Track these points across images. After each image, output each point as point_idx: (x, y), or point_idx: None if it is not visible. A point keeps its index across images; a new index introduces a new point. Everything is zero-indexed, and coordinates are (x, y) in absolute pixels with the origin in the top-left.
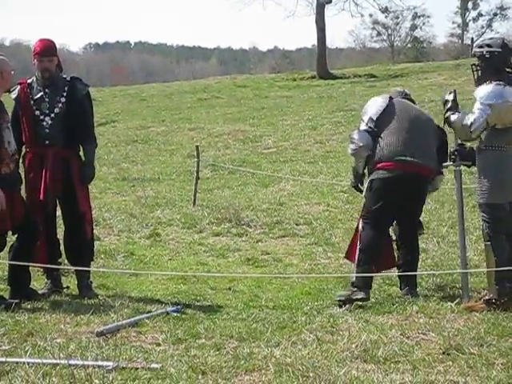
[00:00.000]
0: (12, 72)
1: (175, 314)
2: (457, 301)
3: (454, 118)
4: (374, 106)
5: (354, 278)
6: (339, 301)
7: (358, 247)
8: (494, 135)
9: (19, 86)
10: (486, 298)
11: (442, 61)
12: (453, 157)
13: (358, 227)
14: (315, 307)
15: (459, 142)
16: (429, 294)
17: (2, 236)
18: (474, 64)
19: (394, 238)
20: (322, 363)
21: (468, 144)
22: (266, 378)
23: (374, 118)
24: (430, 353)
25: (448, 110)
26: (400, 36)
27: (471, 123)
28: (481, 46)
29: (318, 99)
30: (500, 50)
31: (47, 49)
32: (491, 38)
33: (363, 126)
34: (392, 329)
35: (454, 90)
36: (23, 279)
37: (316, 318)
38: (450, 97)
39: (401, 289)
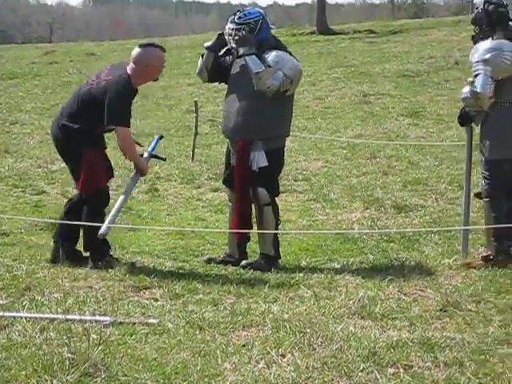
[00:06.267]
0: (161, 71)
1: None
2: (454, 258)
3: None
4: None
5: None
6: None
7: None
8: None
9: None
10: (484, 254)
11: (441, 17)
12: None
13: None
14: (313, 263)
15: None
16: (426, 251)
17: (105, 190)
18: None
19: None
20: (319, 319)
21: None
22: (264, 334)
23: None
24: (427, 309)
25: None
26: None
27: None
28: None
29: (317, 55)
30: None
31: None
32: None
33: None
34: (389, 285)
35: None
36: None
37: (314, 275)
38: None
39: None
